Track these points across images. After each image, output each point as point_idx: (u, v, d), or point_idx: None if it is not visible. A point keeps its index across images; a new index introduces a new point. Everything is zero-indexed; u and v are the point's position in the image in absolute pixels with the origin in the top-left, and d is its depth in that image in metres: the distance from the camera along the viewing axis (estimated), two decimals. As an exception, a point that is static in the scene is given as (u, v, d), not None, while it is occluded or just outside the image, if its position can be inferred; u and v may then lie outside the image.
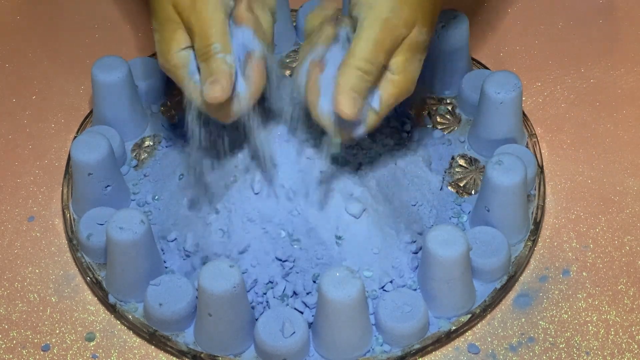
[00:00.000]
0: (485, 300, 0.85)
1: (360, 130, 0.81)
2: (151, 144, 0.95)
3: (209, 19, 0.80)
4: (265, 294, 0.84)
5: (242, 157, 0.86)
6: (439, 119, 0.97)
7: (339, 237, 0.85)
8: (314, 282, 0.84)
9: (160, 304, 0.82)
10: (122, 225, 0.82)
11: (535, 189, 0.90)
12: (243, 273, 0.82)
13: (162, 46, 0.82)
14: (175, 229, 0.87)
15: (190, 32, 0.81)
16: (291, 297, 0.84)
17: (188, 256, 0.86)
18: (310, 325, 0.82)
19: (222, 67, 0.79)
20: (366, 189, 0.87)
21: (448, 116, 0.97)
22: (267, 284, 0.84)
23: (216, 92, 0.78)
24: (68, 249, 0.90)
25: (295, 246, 0.84)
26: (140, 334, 0.85)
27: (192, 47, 0.81)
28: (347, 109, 0.78)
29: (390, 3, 0.79)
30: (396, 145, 0.91)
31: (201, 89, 0.79)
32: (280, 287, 0.84)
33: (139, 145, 0.95)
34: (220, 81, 0.78)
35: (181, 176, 0.90)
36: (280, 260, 0.84)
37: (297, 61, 0.94)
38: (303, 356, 0.82)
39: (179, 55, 0.81)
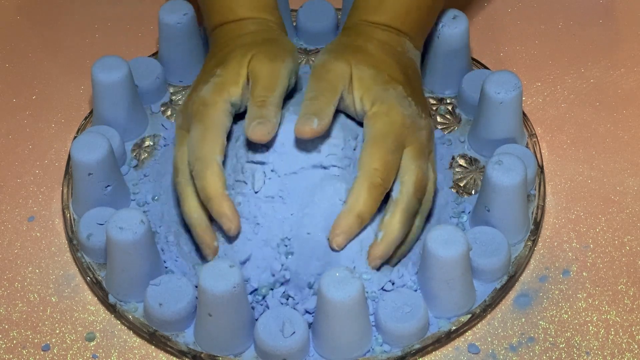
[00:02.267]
0: (485, 300, 0.85)
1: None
2: (151, 144, 0.95)
3: (282, 77, 0.84)
4: (264, 297, 0.84)
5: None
6: (439, 119, 0.97)
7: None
8: (310, 288, 0.84)
9: (160, 304, 0.82)
10: (122, 225, 0.82)
11: (535, 189, 0.90)
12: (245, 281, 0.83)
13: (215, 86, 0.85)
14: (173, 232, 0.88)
15: (255, 78, 0.84)
16: (289, 299, 0.84)
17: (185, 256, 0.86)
18: (310, 325, 0.82)
19: (273, 115, 0.83)
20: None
21: (448, 116, 0.97)
22: (266, 289, 0.84)
23: (263, 132, 0.82)
24: (68, 249, 0.90)
25: (295, 249, 0.84)
26: (140, 334, 0.85)
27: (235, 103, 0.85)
28: (338, 246, 0.83)
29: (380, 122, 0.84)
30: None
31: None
32: (280, 291, 0.84)
33: (139, 145, 0.95)
34: (267, 125, 0.82)
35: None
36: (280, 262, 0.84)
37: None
38: (303, 356, 0.82)
39: (223, 103, 0.84)
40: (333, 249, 0.83)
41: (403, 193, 0.83)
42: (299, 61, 0.93)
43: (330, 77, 0.85)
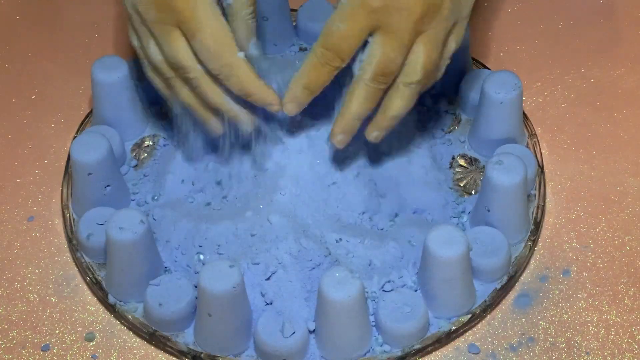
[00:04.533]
0: (485, 301, 0.85)
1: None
2: (151, 143, 0.95)
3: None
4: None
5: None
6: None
7: (339, 239, 0.85)
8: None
9: (160, 304, 0.82)
10: (121, 225, 0.82)
11: (535, 189, 0.90)
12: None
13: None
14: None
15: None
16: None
17: (184, 254, 0.86)
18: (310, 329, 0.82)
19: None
20: (366, 189, 0.88)
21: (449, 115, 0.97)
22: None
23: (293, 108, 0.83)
24: (68, 249, 0.90)
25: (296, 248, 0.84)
26: (140, 334, 0.85)
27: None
28: (339, 144, 0.84)
29: None
30: (394, 146, 0.91)
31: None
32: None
33: (138, 145, 0.95)
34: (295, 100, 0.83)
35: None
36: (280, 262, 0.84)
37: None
38: (303, 356, 0.82)
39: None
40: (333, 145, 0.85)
41: (361, 73, 0.81)
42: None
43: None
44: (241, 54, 0.81)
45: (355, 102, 0.82)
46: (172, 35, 0.81)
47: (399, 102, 0.82)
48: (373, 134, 0.85)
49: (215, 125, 0.86)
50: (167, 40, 0.82)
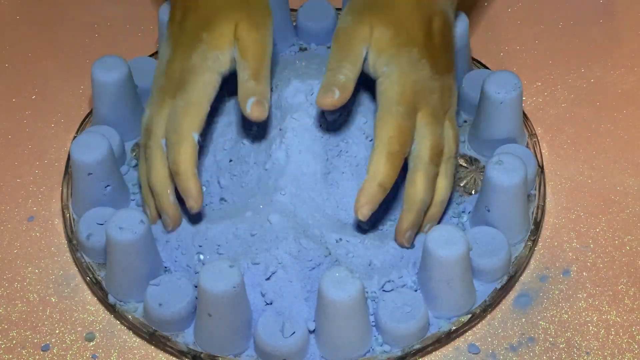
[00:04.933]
0: (485, 301, 0.85)
1: None
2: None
3: (269, 47, 0.85)
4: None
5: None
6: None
7: (339, 240, 0.85)
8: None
9: (160, 304, 0.82)
10: (121, 225, 0.82)
11: (535, 189, 0.90)
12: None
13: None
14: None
15: (244, 49, 0.84)
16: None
17: (184, 254, 0.86)
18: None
19: (267, 91, 0.83)
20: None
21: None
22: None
23: (261, 111, 0.83)
24: (68, 249, 0.90)
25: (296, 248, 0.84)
26: (140, 334, 0.85)
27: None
28: (364, 217, 0.82)
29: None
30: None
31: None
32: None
33: (138, 145, 0.95)
34: (265, 104, 0.83)
35: None
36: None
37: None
38: (303, 356, 0.82)
39: (212, 74, 0.85)
40: (359, 220, 0.84)
41: (420, 158, 0.83)
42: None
43: (352, 44, 0.84)
44: (196, 136, 0.83)
45: (420, 188, 0.83)
46: (165, 102, 0.85)
47: (444, 182, 0.86)
48: (426, 227, 0.86)
49: (152, 215, 0.87)
50: (157, 106, 0.86)
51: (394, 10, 0.85)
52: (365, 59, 0.84)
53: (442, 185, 0.86)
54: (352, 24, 0.85)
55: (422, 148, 0.83)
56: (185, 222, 0.87)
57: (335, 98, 0.82)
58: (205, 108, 0.84)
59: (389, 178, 0.82)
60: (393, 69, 0.84)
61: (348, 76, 0.83)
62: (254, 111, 0.82)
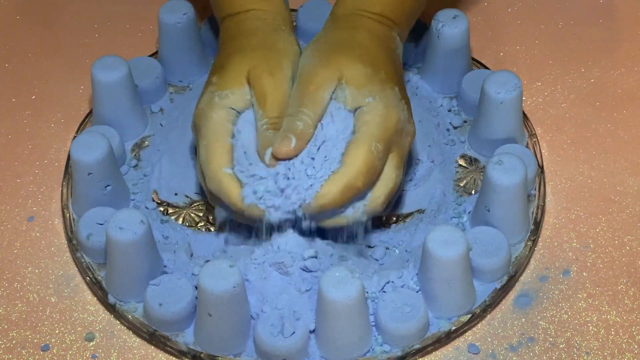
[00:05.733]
0: (485, 301, 0.85)
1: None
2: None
3: (286, 91, 0.84)
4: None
5: None
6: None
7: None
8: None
9: (160, 304, 0.82)
10: (121, 225, 0.82)
11: (535, 189, 0.91)
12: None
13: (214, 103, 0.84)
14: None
15: (260, 96, 0.83)
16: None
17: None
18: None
19: (295, 126, 0.81)
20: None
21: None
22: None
23: (288, 148, 0.81)
24: (68, 248, 0.90)
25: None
26: (140, 334, 0.85)
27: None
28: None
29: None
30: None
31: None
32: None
33: (138, 145, 0.95)
34: (291, 137, 0.81)
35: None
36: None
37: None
38: (303, 356, 0.82)
39: (223, 111, 0.83)
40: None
41: (372, 200, 0.82)
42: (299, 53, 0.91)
43: (316, 87, 0.83)
44: (228, 170, 0.81)
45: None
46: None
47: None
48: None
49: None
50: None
51: (366, 50, 0.85)
52: (337, 97, 0.83)
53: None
54: (318, 67, 0.84)
55: (381, 190, 0.82)
56: (183, 225, 0.87)
57: (290, 147, 0.81)
58: (226, 140, 0.83)
59: (332, 205, 0.81)
60: (379, 102, 0.82)
61: (307, 123, 0.82)
62: (281, 148, 0.81)
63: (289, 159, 0.81)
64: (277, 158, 0.81)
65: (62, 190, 0.92)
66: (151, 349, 0.85)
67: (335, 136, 0.82)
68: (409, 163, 0.90)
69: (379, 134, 0.81)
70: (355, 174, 0.80)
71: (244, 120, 0.84)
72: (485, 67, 1.00)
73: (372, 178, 0.81)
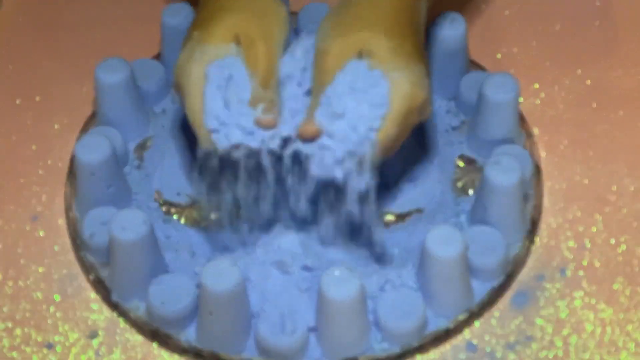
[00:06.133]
0: (483, 299, 0.85)
1: None
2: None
3: (277, 62, 0.81)
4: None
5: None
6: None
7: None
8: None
9: (162, 303, 0.82)
10: (124, 225, 0.82)
11: (532, 189, 0.91)
12: None
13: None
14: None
15: (252, 64, 0.80)
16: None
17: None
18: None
19: (277, 100, 0.80)
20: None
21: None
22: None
23: (270, 120, 0.79)
24: (71, 248, 0.90)
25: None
26: (142, 331, 0.85)
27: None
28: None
29: None
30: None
31: None
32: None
33: (141, 146, 0.95)
34: (274, 112, 0.79)
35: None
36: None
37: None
38: (303, 354, 0.82)
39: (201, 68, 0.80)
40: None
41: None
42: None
43: (333, 66, 0.78)
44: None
45: None
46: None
47: None
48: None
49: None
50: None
51: (390, 22, 0.78)
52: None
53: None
54: (337, 41, 0.78)
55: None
56: (185, 224, 0.88)
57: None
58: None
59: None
60: (405, 79, 0.77)
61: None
62: (263, 119, 0.79)
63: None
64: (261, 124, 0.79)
65: (65, 190, 0.92)
66: (153, 346, 0.85)
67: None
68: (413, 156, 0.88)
69: (405, 110, 0.77)
70: (380, 147, 0.78)
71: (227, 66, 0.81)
72: (483, 69, 1.00)
73: (390, 152, 0.79)
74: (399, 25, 0.79)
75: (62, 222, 0.92)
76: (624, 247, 0.90)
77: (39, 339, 0.86)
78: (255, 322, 0.82)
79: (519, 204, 0.87)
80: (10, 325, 0.86)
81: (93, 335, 0.85)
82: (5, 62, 1.05)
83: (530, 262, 0.89)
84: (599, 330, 0.85)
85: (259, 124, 0.79)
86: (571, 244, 0.90)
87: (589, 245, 0.90)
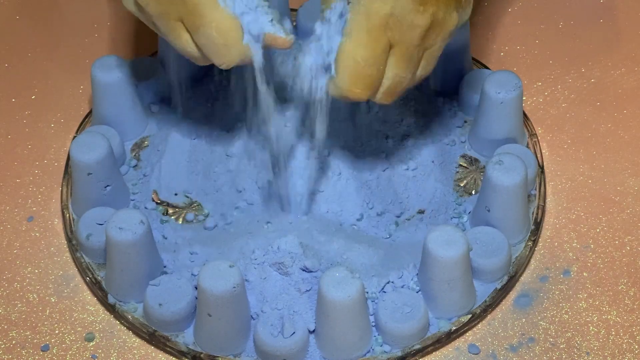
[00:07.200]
0: (485, 301, 0.85)
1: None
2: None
3: None
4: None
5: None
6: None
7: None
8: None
9: (160, 304, 0.82)
10: (121, 225, 0.82)
11: (535, 189, 0.91)
12: None
13: None
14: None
15: None
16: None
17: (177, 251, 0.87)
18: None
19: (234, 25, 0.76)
20: (366, 189, 0.88)
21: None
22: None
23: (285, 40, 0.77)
24: (67, 249, 0.90)
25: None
26: (139, 334, 0.85)
27: None
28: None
29: None
30: (395, 146, 0.91)
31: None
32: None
33: (138, 145, 0.95)
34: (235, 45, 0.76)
35: None
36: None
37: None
38: (303, 356, 0.82)
39: None
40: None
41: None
42: None
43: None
44: (248, 39, 0.76)
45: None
46: (177, 29, 0.78)
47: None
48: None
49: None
50: (172, 35, 0.79)
51: None
52: None
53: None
54: None
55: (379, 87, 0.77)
56: (186, 224, 0.87)
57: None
58: (233, 16, 0.76)
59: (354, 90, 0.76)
60: None
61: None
62: (279, 38, 0.76)
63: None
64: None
65: (61, 190, 0.92)
66: (151, 349, 0.85)
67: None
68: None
69: (360, 35, 0.75)
70: (344, 90, 0.76)
71: None
72: (486, 67, 1.00)
73: (377, 69, 0.75)
74: None
75: (58, 222, 0.92)
76: (628, 247, 0.89)
77: (35, 341, 0.85)
78: (254, 324, 0.82)
79: (522, 204, 0.86)
80: (5, 327, 0.86)
81: (90, 337, 0.85)
82: (1, 60, 1.05)
83: (533, 263, 0.89)
84: (602, 332, 0.85)
85: (274, 41, 0.77)
86: (575, 244, 0.90)
87: (592, 245, 0.89)
